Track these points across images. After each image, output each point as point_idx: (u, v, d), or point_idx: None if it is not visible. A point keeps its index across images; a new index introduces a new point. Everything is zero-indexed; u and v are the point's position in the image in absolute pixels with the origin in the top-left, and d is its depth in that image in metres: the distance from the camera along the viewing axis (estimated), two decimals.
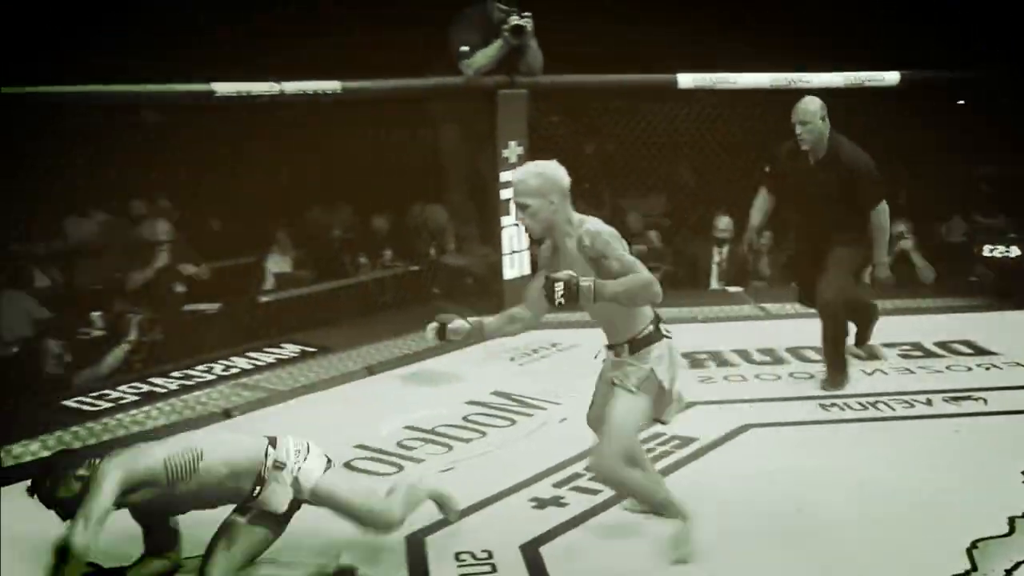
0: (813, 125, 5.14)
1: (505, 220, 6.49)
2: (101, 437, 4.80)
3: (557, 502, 4.15)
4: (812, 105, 5.18)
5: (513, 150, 6.44)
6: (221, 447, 3.52)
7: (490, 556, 3.72)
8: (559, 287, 3.42)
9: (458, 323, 3.91)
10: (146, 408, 5.22)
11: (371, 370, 5.95)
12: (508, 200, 6.44)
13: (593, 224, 3.60)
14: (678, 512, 3.75)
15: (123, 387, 5.51)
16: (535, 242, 3.88)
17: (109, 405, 5.21)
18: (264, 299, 7.11)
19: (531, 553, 3.75)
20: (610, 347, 3.75)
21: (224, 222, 7.78)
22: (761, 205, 5.64)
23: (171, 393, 5.44)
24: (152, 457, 3.38)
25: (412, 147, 7.21)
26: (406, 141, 7.27)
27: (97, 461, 3.33)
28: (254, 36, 7.13)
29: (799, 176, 5.30)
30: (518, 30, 6.21)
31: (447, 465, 4.57)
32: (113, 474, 3.26)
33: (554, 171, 3.59)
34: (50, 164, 5.13)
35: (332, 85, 5.46)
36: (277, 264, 7.48)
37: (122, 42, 6.57)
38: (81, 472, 3.33)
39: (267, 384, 5.63)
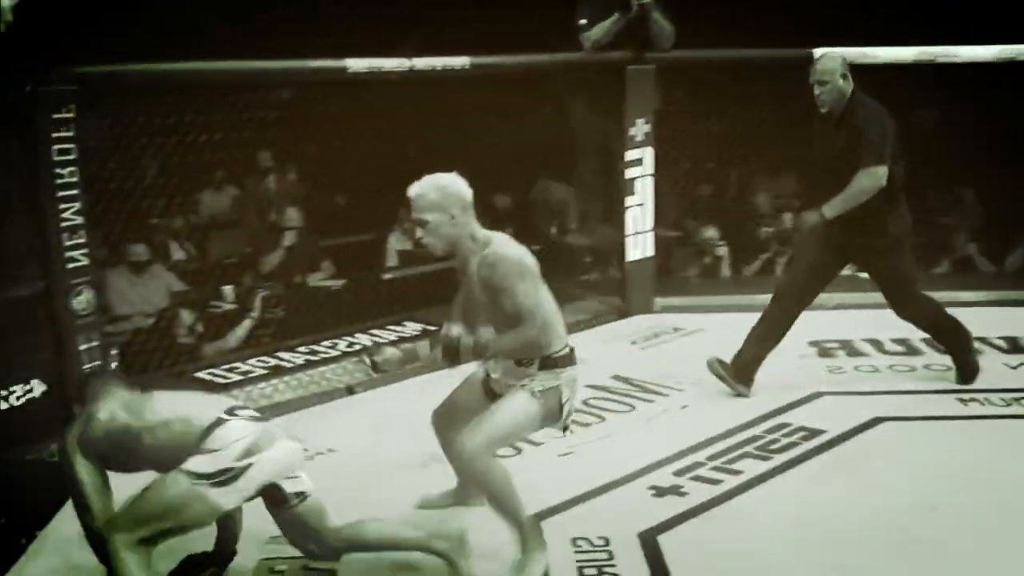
0: (832, 84, 4.84)
1: (629, 200, 6.50)
2: None
3: (677, 491, 4.17)
4: (831, 63, 4.89)
5: (640, 128, 6.42)
6: (173, 404, 3.29)
7: (607, 543, 3.76)
8: (438, 351, 3.44)
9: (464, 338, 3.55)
10: (273, 382, 5.45)
11: None
12: (633, 179, 6.47)
13: (499, 247, 3.44)
14: (534, 533, 3.55)
15: (252, 360, 5.75)
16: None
17: (239, 378, 5.45)
18: (387, 276, 7.28)
19: (649, 542, 3.78)
20: (516, 362, 3.57)
21: (350, 198, 7.95)
22: None
23: (297, 368, 5.66)
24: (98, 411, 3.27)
25: (537, 124, 7.21)
26: (531, 118, 7.28)
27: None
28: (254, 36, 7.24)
29: (820, 141, 5.01)
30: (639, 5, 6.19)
31: (566, 449, 4.60)
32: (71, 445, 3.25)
33: (454, 183, 3.46)
34: (186, 139, 5.31)
35: (461, 61, 5.54)
36: (400, 242, 7.62)
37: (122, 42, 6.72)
38: None
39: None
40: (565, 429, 3.69)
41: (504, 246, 3.44)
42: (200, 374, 5.48)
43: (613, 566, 3.62)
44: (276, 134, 7.06)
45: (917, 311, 5.11)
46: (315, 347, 5.96)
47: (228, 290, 6.29)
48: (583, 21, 6.29)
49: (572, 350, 3.59)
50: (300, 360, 5.77)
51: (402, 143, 7.42)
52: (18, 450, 4.25)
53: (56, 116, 4.01)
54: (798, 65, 5.27)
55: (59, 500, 3.87)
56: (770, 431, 4.72)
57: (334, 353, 5.90)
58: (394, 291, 6.99)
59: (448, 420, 3.82)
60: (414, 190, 3.43)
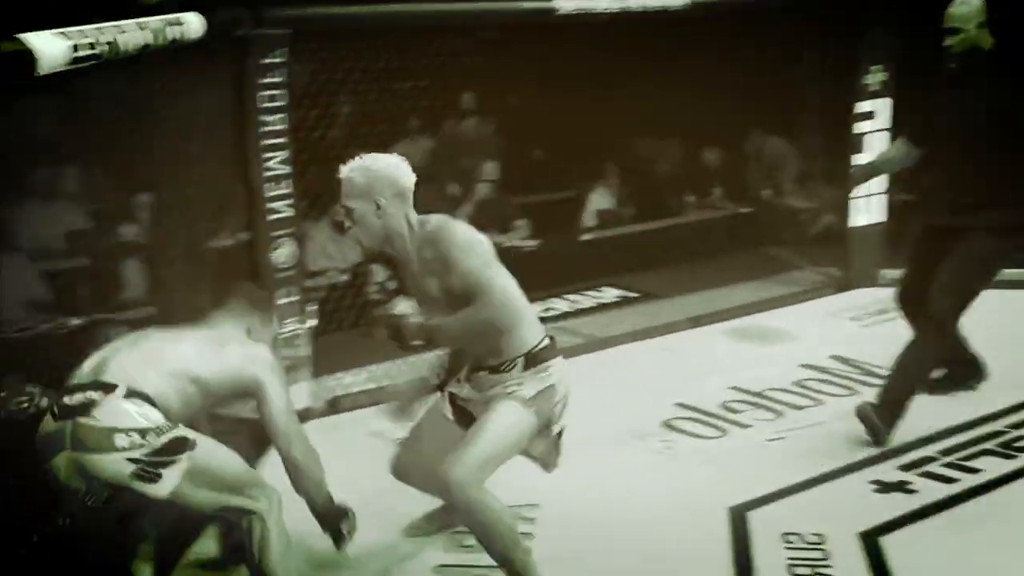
0: (966, 34, 4.12)
1: (858, 158, 6.06)
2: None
3: (903, 488, 3.89)
4: (964, 7, 4.13)
5: (876, 75, 5.98)
6: None
7: (822, 540, 3.54)
8: (379, 332, 3.02)
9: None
10: None
11: (696, 321, 5.84)
12: (863, 134, 6.06)
13: (440, 222, 3.03)
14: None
15: None
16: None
17: None
18: (585, 237, 7.14)
19: (870, 543, 3.53)
20: (486, 368, 3.13)
21: (550, 152, 7.82)
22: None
23: None
24: None
25: (755, 71, 6.82)
26: (749, 64, 6.89)
27: None
28: None
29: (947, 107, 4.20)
30: None
31: (776, 434, 4.40)
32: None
33: (386, 166, 3.04)
34: (392, 86, 5.26)
35: (680, 1, 5.27)
36: (602, 200, 7.46)
37: None
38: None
39: (585, 329, 5.67)
40: (559, 434, 3.24)
41: (446, 221, 3.04)
42: None
43: (829, 567, 3.40)
44: (479, 82, 6.96)
45: (946, 320, 4.30)
46: None
47: None
48: None
49: (553, 339, 3.18)
50: None
51: (608, 94, 7.21)
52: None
53: (265, 61, 4.01)
54: None
55: None
56: (1015, 426, 4.36)
57: None
58: (591, 252, 6.85)
59: (413, 467, 3.34)
60: (342, 172, 3.04)
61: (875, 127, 6.08)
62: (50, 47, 2.75)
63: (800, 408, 4.66)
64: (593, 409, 4.54)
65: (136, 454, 2.73)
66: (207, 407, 3.05)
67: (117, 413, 2.75)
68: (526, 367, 3.07)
